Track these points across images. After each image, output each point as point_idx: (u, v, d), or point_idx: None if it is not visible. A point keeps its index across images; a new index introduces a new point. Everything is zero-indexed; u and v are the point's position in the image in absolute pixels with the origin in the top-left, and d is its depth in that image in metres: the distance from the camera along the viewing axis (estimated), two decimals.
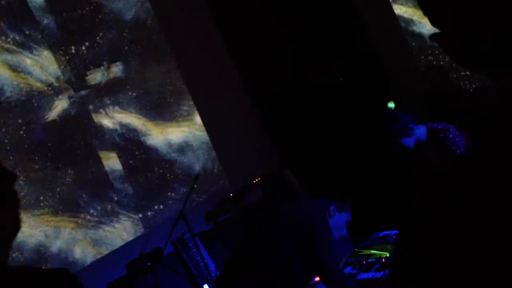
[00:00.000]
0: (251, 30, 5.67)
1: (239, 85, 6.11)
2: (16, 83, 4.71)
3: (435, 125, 3.16)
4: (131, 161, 5.32)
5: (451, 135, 3.04)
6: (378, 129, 3.18)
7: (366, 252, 3.06)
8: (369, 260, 2.94)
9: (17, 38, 4.80)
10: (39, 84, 4.88)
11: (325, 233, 2.45)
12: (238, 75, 6.12)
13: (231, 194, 5.25)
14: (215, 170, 5.84)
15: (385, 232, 3.27)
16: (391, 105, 3.37)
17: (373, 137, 3.98)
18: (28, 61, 4.83)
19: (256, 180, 5.32)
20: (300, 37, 5.49)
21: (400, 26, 5.11)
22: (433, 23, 0.73)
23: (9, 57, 4.73)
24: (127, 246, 4.89)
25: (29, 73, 4.83)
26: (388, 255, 2.91)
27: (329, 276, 2.40)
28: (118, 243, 5.04)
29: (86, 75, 5.23)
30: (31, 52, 4.86)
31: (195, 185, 4.86)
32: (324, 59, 5.38)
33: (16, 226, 1.10)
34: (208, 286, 4.91)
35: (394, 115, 3.18)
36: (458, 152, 3.03)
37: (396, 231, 3.20)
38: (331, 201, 2.70)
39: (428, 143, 3.13)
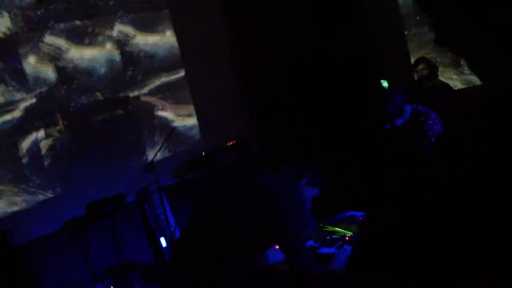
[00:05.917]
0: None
1: (226, 47, 5.89)
2: None
3: (420, 107, 3.11)
4: None
5: (430, 121, 3.00)
6: (374, 109, 3.09)
7: (331, 228, 2.95)
8: (333, 237, 2.84)
9: None
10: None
11: (294, 211, 2.33)
12: (228, 39, 5.90)
13: (203, 153, 5.08)
14: (192, 127, 5.64)
15: (351, 212, 3.18)
16: (385, 84, 3.26)
17: (355, 116, 3.88)
18: None
19: (231, 143, 5.17)
20: (297, 11, 5.30)
21: (398, 13, 4.96)
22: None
23: None
24: (89, 186, 4.67)
25: None
26: (351, 234, 2.82)
27: (289, 251, 2.29)
28: None
29: None
30: None
31: (169, 138, 4.68)
32: (318, 34, 5.21)
33: None
34: (165, 239, 4.77)
35: (391, 95, 3.09)
36: (432, 139, 2.99)
37: (363, 213, 3.12)
38: (305, 174, 2.57)
39: (408, 122, 3.09)
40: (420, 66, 4.73)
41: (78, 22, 4.93)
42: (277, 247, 2.55)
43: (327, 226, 2.97)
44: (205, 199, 2.46)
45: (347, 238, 2.75)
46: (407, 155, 3.12)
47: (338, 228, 2.91)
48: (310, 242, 2.75)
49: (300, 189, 2.50)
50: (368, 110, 3.29)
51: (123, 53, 5.20)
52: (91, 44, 5.01)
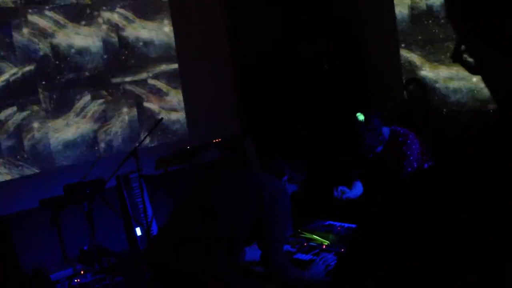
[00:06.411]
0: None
1: (225, 45, 5.88)
2: None
3: (398, 128, 3.14)
4: None
5: (409, 141, 3.03)
6: (353, 146, 3.11)
7: (308, 235, 2.97)
8: (310, 244, 2.86)
9: None
10: None
11: (282, 211, 2.35)
12: (226, 37, 5.89)
13: (188, 147, 5.06)
14: (179, 118, 5.62)
15: (330, 222, 3.21)
16: (361, 117, 3.25)
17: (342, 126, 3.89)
18: None
19: (216, 140, 5.16)
20: (295, 14, 5.31)
21: (396, 30, 5.01)
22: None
23: None
24: (70, 167, 4.62)
25: None
26: (328, 243, 2.85)
27: (268, 251, 2.31)
28: None
29: None
30: None
31: (155, 128, 4.64)
32: (313, 39, 5.23)
33: None
34: (140, 229, 4.74)
35: (367, 127, 3.10)
36: (411, 158, 3.01)
37: (342, 224, 3.15)
38: (287, 171, 2.59)
39: (387, 143, 3.11)
40: (411, 86, 4.79)
41: (77, 1, 4.88)
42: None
43: (305, 233, 2.99)
44: (194, 192, 2.45)
45: (324, 246, 2.77)
46: (387, 175, 3.16)
47: (316, 236, 2.93)
48: (287, 247, 2.76)
49: (287, 189, 2.52)
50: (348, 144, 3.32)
51: (119, 38, 5.16)
52: (87, 25, 4.96)
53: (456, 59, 0.62)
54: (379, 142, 3.05)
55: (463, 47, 0.60)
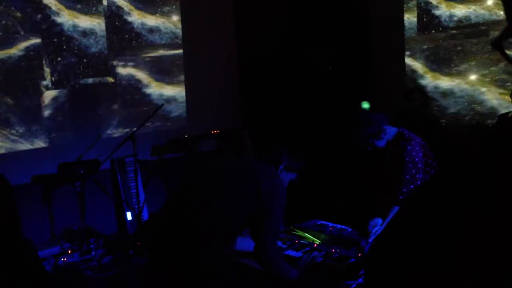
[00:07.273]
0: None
1: (232, 42, 5.88)
2: None
3: (405, 132, 3.13)
4: None
5: (409, 147, 3.01)
6: (352, 131, 3.09)
7: (300, 233, 2.97)
8: (302, 241, 2.86)
9: None
10: None
11: (279, 205, 2.35)
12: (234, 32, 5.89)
13: (186, 136, 5.04)
14: (179, 106, 5.59)
15: (323, 222, 3.21)
16: (366, 105, 3.22)
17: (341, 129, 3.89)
18: None
19: (214, 131, 5.14)
20: (300, 13, 5.31)
21: (403, 37, 5.01)
22: None
23: None
24: (66, 147, 4.59)
25: None
26: (320, 243, 2.85)
27: (261, 241, 2.32)
28: None
29: None
30: None
31: (155, 113, 4.62)
32: (320, 42, 5.23)
33: None
34: (131, 214, 4.72)
35: (369, 117, 3.10)
36: (410, 165, 3.00)
37: (334, 224, 3.15)
38: (284, 159, 2.58)
39: (391, 143, 3.11)
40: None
41: None
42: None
43: (297, 230, 2.99)
44: (192, 179, 2.44)
45: (315, 245, 2.77)
46: (387, 176, 3.14)
47: (308, 234, 2.93)
48: (278, 243, 2.76)
49: (285, 183, 2.51)
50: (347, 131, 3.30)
51: (125, 21, 5.13)
52: (95, 6, 4.93)
53: (497, 45, 0.61)
54: (377, 136, 3.02)
55: (509, 35, 0.60)
